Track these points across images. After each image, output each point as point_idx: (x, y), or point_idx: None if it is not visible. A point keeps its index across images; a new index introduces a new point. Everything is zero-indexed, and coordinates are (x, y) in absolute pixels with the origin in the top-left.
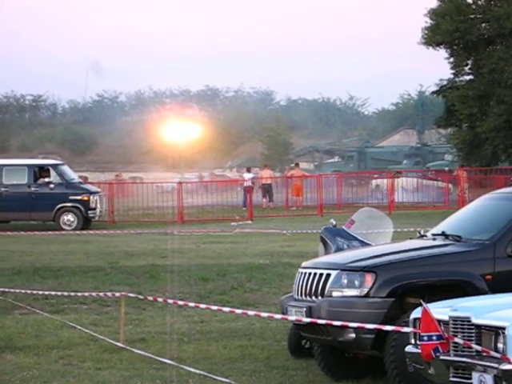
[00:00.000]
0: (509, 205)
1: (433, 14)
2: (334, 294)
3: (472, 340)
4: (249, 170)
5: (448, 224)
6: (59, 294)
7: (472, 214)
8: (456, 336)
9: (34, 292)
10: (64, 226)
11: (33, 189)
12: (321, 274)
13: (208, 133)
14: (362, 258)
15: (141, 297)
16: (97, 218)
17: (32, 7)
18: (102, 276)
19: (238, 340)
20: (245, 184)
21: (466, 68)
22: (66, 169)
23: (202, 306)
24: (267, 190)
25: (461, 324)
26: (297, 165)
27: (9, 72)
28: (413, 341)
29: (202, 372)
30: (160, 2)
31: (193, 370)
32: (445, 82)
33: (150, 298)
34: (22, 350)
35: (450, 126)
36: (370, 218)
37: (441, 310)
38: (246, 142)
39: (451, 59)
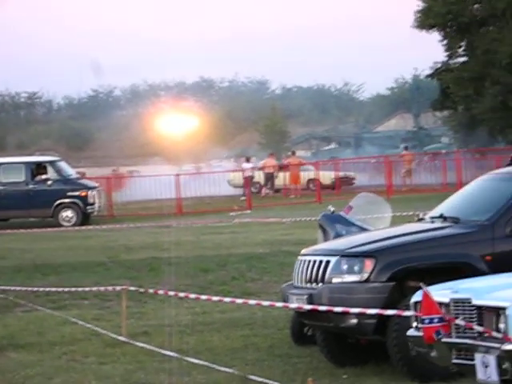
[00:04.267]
0: (506, 185)
1: None
2: (335, 280)
3: (473, 321)
4: (248, 160)
5: (446, 206)
6: (60, 290)
7: (470, 195)
8: (457, 318)
9: (35, 289)
10: (63, 223)
11: (31, 186)
12: (320, 261)
13: (204, 124)
14: (361, 244)
15: (142, 290)
16: (96, 213)
17: (24, 2)
18: (103, 271)
19: (241, 330)
20: (244, 174)
21: (460, 50)
22: (63, 165)
23: (203, 297)
24: (269, 179)
25: (462, 306)
26: (293, 153)
27: (3, 70)
28: (414, 324)
29: (205, 363)
30: None
31: (196, 361)
32: (439, 65)
33: (151, 291)
34: (24, 347)
35: (445, 108)
36: (368, 203)
37: (441, 292)
38: (243, 132)
39: (445, 42)
